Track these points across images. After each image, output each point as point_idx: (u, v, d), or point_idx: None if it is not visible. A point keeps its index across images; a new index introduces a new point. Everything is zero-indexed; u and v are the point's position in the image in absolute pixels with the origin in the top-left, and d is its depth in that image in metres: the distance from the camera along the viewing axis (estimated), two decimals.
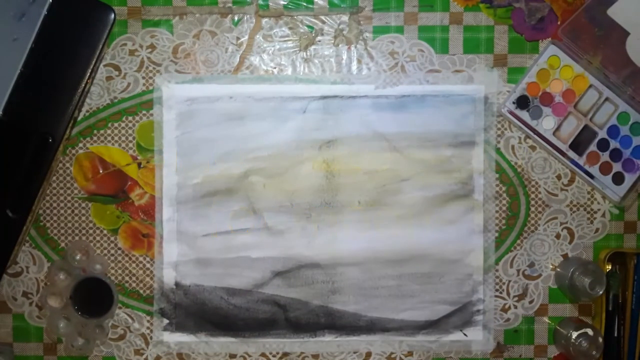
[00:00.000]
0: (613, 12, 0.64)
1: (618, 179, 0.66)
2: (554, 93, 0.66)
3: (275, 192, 0.66)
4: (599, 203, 0.67)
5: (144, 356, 0.67)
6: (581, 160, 0.66)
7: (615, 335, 0.67)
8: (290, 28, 0.66)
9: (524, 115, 0.66)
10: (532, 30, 0.66)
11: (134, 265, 0.66)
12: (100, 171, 0.66)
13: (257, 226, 0.66)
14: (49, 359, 0.67)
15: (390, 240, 0.66)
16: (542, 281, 0.68)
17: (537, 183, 0.67)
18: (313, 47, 0.66)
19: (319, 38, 0.66)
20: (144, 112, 0.66)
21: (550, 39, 0.66)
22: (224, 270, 0.66)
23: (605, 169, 0.66)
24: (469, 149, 0.66)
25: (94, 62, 0.60)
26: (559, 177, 0.67)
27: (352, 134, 0.66)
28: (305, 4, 0.65)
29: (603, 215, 0.67)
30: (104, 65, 0.65)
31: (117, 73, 0.65)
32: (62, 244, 0.66)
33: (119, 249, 0.66)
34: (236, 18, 0.66)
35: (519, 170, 0.67)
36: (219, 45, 0.66)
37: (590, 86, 0.66)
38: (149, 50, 0.65)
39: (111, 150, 0.66)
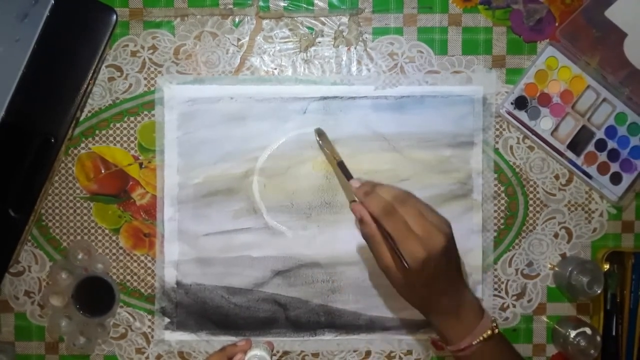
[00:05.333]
0: (611, 13, 0.64)
1: (616, 179, 0.67)
2: (552, 94, 0.67)
3: (276, 191, 0.66)
4: (596, 203, 0.68)
5: (145, 355, 0.67)
6: (579, 161, 0.67)
7: (613, 334, 0.67)
8: (290, 29, 0.66)
9: (522, 115, 0.67)
10: (530, 32, 0.67)
11: (135, 264, 0.67)
12: (102, 171, 0.66)
13: (258, 226, 0.66)
14: (51, 358, 0.67)
15: None
16: (540, 280, 0.68)
17: (535, 183, 0.68)
18: (313, 48, 0.66)
19: (319, 39, 0.66)
20: (145, 112, 0.66)
21: (548, 40, 0.67)
22: (224, 269, 0.66)
23: (603, 169, 0.67)
24: (468, 149, 0.67)
25: (96, 63, 0.60)
26: (557, 177, 0.68)
27: (352, 134, 0.66)
28: (305, 5, 0.66)
29: (601, 215, 0.68)
30: (106, 66, 0.66)
31: (119, 74, 0.66)
32: (64, 244, 0.67)
33: (121, 248, 0.67)
34: (237, 19, 0.66)
35: (517, 170, 0.67)
36: (220, 46, 0.66)
37: (588, 87, 0.67)
38: (151, 51, 0.66)
39: (113, 151, 0.66)
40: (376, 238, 0.50)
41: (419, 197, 0.51)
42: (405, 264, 0.47)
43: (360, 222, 0.51)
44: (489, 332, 0.52)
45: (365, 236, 0.51)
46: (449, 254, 0.50)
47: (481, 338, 0.52)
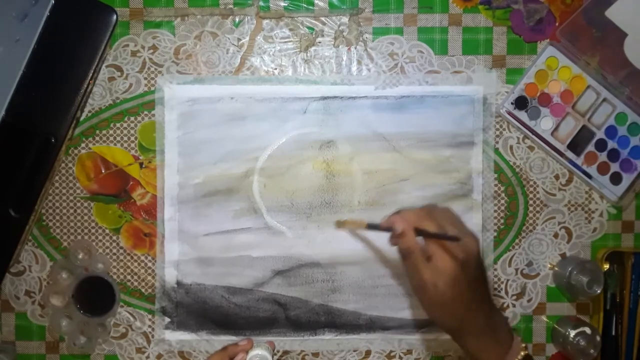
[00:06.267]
0: (611, 13, 0.64)
1: (616, 179, 0.67)
2: (552, 94, 0.67)
3: (276, 191, 0.66)
4: (596, 203, 0.68)
5: (146, 354, 0.67)
6: (579, 161, 0.67)
7: (613, 333, 0.67)
8: (290, 29, 0.66)
9: (523, 115, 0.67)
10: (530, 32, 0.67)
11: (135, 264, 0.67)
12: (103, 171, 0.66)
13: (258, 226, 0.66)
14: (52, 358, 0.67)
15: None
16: (540, 280, 0.68)
17: (535, 183, 0.68)
18: (313, 48, 0.66)
19: (319, 39, 0.66)
20: (145, 112, 0.66)
21: (548, 40, 0.67)
22: (224, 269, 0.66)
23: (603, 169, 0.67)
24: (468, 149, 0.67)
25: (96, 63, 0.60)
26: (557, 177, 0.68)
27: (352, 134, 0.66)
28: (305, 5, 0.66)
29: (601, 214, 0.68)
30: (106, 66, 0.66)
31: (119, 74, 0.66)
32: (65, 243, 0.67)
33: (121, 248, 0.67)
34: (237, 19, 0.66)
35: (517, 170, 0.67)
36: (220, 46, 0.66)
37: (588, 87, 0.67)
38: (151, 51, 0.66)
39: (113, 150, 0.66)
40: (417, 251, 0.49)
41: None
42: (459, 255, 0.47)
43: (400, 236, 0.49)
44: (522, 353, 0.50)
45: (405, 251, 0.50)
46: (481, 265, 0.50)
47: (518, 358, 0.50)
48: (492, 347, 0.51)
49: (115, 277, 0.67)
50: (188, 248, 0.66)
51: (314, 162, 0.66)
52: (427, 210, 0.50)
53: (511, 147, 0.67)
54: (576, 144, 0.67)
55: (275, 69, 0.66)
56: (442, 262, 0.48)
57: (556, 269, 0.68)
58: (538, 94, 0.66)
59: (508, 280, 0.68)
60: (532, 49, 0.67)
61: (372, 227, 0.56)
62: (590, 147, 0.67)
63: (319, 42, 0.66)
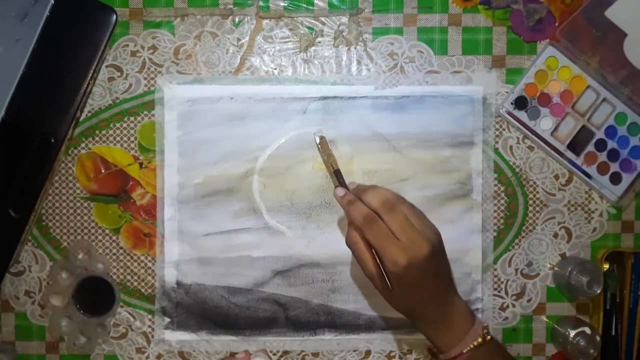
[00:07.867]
0: (611, 13, 0.64)
1: (615, 178, 0.67)
2: (551, 94, 0.67)
3: (276, 191, 0.66)
4: (596, 203, 0.68)
5: (146, 354, 0.67)
6: (579, 160, 0.67)
7: (613, 333, 0.67)
8: (290, 29, 0.66)
9: (522, 115, 0.67)
10: (530, 32, 0.67)
11: (135, 264, 0.67)
12: (102, 171, 0.66)
13: (258, 226, 0.66)
14: (51, 358, 0.67)
15: None
16: (540, 280, 0.68)
17: (535, 183, 0.68)
18: (313, 48, 0.66)
19: (319, 39, 0.66)
20: (145, 112, 0.66)
21: (548, 40, 0.67)
22: (224, 269, 0.66)
23: (602, 169, 0.67)
24: (468, 149, 0.67)
25: (95, 62, 0.60)
26: (556, 177, 0.68)
27: (351, 134, 0.66)
28: (305, 5, 0.66)
29: (600, 214, 0.68)
30: (106, 66, 0.66)
31: (119, 74, 0.66)
32: (65, 243, 0.67)
33: (121, 248, 0.67)
34: (237, 19, 0.66)
35: (517, 170, 0.67)
36: (220, 46, 0.66)
37: (588, 87, 0.67)
38: (151, 51, 0.66)
39: (113, 151, 0.66)
40: (358, 246, 0.50)
41: (409, 203, 0.51)
42: (388, 282, 0.49)
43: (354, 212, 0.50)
44: (480, 339, 0.52)
45: (347, 244, 0.51)
46: (436, 263, 0.49)
47: (472, 346, 0.51)
48: (447, 334, 0.52)
49: (115, 277, 0.67)
50: (188, 248, 0.66)
51: (314, 162, 0.66)
52: (389, 204, 0.49)
53: (511, 147, 0.67)
54: (576, 144, 0.67)
55: (275, 69, 0.66)
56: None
57: (556, 269, 0.68)
58: (538, 94, 0.66)
59: (508, 280, 0.68)
60: (532, 49, 0.67)
61: (337, 174, 0.56)
62: (590, 147, 0.67)
63: (319, 42, 0.66)
